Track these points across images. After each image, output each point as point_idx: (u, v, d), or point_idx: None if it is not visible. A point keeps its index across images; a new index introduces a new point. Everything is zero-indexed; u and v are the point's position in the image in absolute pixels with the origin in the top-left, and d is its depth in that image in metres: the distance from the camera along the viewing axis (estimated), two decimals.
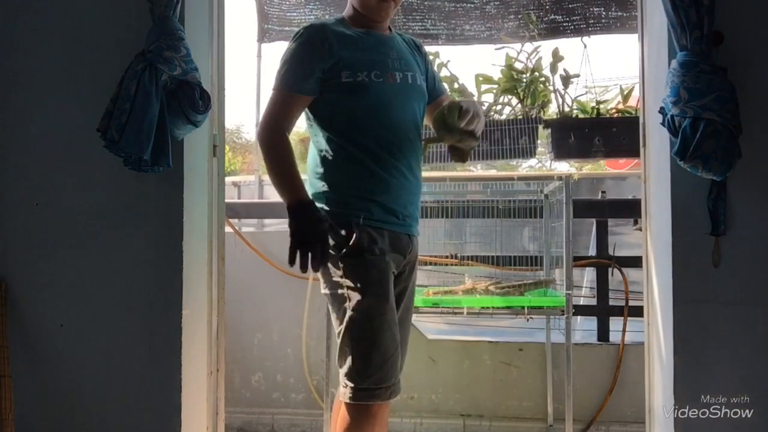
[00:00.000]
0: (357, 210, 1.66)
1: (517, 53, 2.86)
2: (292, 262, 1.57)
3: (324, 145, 1.71)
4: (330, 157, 1.70)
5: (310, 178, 1.75)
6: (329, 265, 1.65)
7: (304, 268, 1.56)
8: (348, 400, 1.61)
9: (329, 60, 1.67)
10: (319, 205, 1.68)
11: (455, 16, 3.62)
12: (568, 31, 3.51)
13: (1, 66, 1.98)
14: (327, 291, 1.69)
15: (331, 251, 1.63)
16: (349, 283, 1.63)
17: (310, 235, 1.58)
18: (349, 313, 1.62)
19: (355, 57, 1.70)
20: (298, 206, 1.61)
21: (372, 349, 1.60)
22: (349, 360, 1.61)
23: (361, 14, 1.77)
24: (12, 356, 1.92)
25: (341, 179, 1.69)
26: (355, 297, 1.62)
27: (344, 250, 1.62)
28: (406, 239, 1.74)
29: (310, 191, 1.71)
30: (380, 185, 1.68)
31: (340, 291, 1.64)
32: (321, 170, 1.72)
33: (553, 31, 3.50)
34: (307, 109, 1.74)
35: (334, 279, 1.65)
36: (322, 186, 1.71)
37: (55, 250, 1.95)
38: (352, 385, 1.60)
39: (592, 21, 3.48)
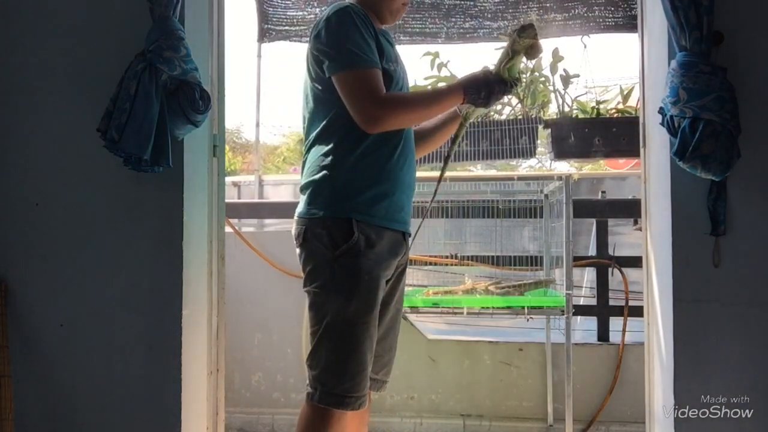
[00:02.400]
0: (361, 205, 1.60)
1: None
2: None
3: (338, 135, 1.62)
4: (347, 147, 1.62)
5: (311, 171, 1.66)
6: (319, 263, 1.61)
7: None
8: (316, 402, 1.58)
9: (375, 41, 1.63)
10: (316, 200, 1.62)
11: (455, 14, 3.62)
12: (569, 30, 3.52)
13: (1, 66, 1.98)
14: (310, 288, 1.63)
15: (324, 250, 1.60)
16: (337, 285, 1.58)
17: (487, 88, 1.66)
18: (331, 315, 1.58)
19: (386, 46, 1.69)
20: (462, 88, 1.66)
21: (349, 357, 1.57)
22: (323, 363, 1.58)
23: (372, 11, 1.71)
24: (12, 356, 1.92)
25: (356, 171, 1.62)
26: (341, 300, 1.57)
27: (338, 251, 1.58)
28: (401, 239, 1.71)
29: (309, 180, 1.65)
30: (394, 180, 1.65)
31: (325, 291, 1.60)
32: (329, 162, 1.62)
33: (554, 29, 3.50)
34: (321, 93, 1.65)
35: (322, 279, 1.60)
36: (327, 176, 1.62)
37: (55, 250, 1.95)
38: (323, 388, 1.58)
39: (593, 20, 3.49)
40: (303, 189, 1.67)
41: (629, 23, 3.36)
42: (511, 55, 1.67)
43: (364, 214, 1.60)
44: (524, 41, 1.65)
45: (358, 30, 1.59)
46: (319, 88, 1.65)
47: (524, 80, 1.66)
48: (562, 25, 3.47)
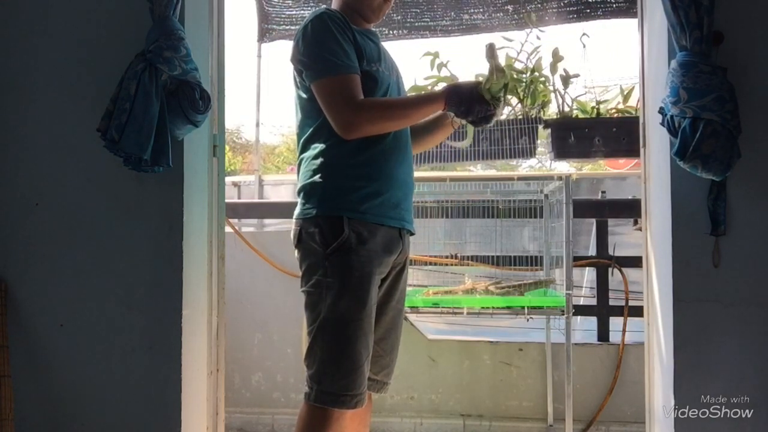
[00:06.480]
0: (353, 203, 1.61)
1: (517, 53, 2.85)
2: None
3: (327, 137, 1.64)
4: (337, 148, 1.64)
5: (304, 175, 1.69)
6: (313, 262, 1.63)
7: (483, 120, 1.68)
8: (312, 402, 1.59)
9: (354, 45, 1.65)
10: (309, 200, 1.64)
11: (454, 6, 3.63)
12: (571, 16, 3.51)
13: (1, 66, 1.98)
14: (305, 288, 1.65)
15: (317, 248, 1.62)
16: (329, 282, 1.59)
17: (468, 101, 1.64)
18: (324, 313, 1.59)
19: (369, 47, 1.70)
20: (444, 96, 1.65)
21: (343, 355, 1.58)
22: (318, 362, 1.59)
23: (355, 11, 1.74)
24: (12, 356, 1.92)
25: (347, 170, 1.64)
26: (333, 298, 1.59)
27: (329, 249, 1.60)
28: (398, 237, 1.71)
29: (302, 184, 1.68)
30: (387, 177, 1.66)
31: (318, 290, 1.61)
32: (320, 164, 1.65)
33: (555, 16, 3.50)
34: (307, 101, 1.68)
35: (316, 277, 1.62)
36: (319, 178, 1.65)
37: (55, 250, 1.95)
38: (318, 386, 1.58)
39: (594, 5, 3.49)
40: (298, 192, 1.71)
41: (629, 8, 3.37)
42: (490, 74, 1.67)
43: (355, 211, 1.61)
44: (491, 61, 1.68)
45: (334, 36, 1.61)
46: (305, 96, 1.69)
47: (508, 101, 1.65)
48: (560, 12, 3.47)
